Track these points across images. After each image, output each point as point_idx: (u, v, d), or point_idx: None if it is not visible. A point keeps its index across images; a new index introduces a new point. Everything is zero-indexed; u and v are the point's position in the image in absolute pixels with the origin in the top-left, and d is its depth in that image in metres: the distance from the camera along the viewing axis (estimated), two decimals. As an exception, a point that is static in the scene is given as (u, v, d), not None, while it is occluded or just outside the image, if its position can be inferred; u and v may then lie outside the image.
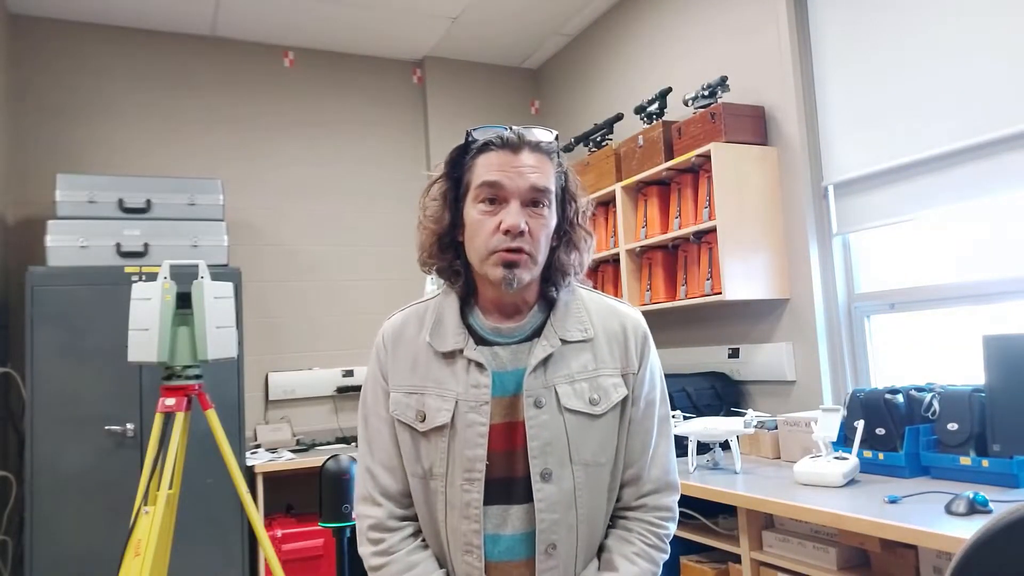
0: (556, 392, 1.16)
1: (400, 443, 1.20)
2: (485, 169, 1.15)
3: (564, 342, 1.18)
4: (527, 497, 1.14)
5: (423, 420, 1.17)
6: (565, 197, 1.21)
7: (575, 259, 1.22)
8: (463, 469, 1.14)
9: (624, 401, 1.20)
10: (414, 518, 1.21)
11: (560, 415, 1.15)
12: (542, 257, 1.17)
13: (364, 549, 1.20)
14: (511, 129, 1.16)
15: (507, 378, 1.17)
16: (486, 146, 1.16)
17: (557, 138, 1.20)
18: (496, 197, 1.14)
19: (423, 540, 1.20)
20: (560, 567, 1.15)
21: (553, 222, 1.18)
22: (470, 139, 1.18)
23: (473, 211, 1.16)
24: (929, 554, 1.75)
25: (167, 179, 3.40)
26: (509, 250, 1.12)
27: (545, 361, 1.17)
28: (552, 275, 1.21)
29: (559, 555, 1.14)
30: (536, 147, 1.16)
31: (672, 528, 1.24)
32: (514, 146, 1.15)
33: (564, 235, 1.21)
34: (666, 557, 1.22)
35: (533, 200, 1.14)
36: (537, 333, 1.19)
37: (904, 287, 2.47)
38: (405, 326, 1.24)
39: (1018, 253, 2.16)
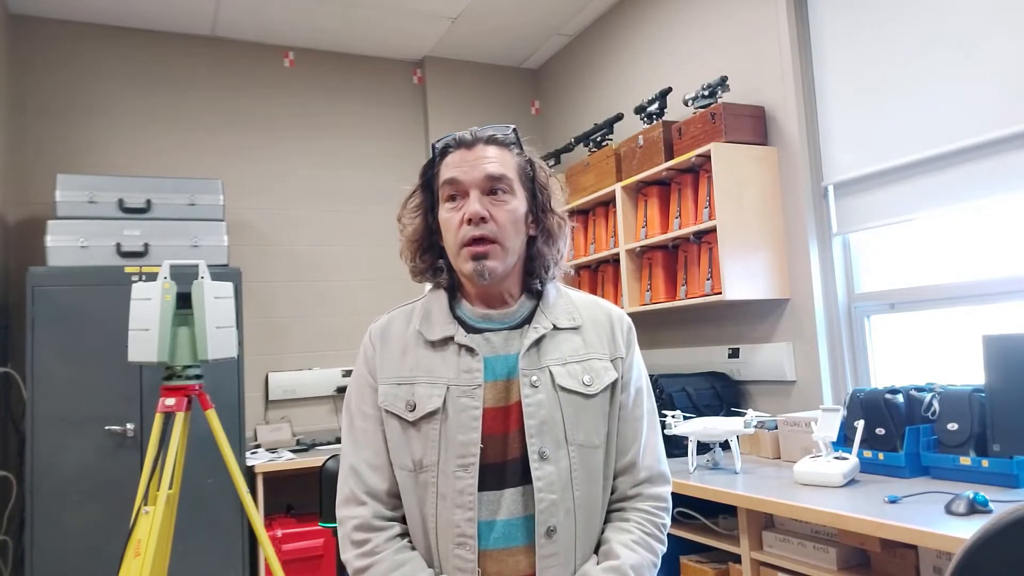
0: (551, 372, 1.18)
1: (388, 437, 1.20)
2: (445, 169, 1.21)
3: (555, 327, 1.22)
4: (522, 479, 1.15)
5: (413, 409, 1.17)
6: (535, 186, 1.25)
7: (554, 248, 1.25)
8: (456, 455, 1.14)
9: (614, 385, 1.23)
10: (400, 520, 1.20)
11: (555, 394, 1.17)
12: (511, 244, 1.19)
13: (348, 553, 1.17)
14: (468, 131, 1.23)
15: (499, 363, 1.19)
16: (445, 149, 1.23)
17: (515, 131, 1.25)
18: (457, 192, 1.19)
19: (410, 541, 1.19)
20: (560, 555, 1.14)
21: (520, 208, 1.21)
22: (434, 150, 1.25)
23: (443, 211, 1.22)
24: (929, 554, 1.75)
25: (167, 179, 3.40)
26: (475, 240, 1.16)
27: (538, 343, 1.20)
28: (534, 267, 1.25)
29: (559, 541, 1.14)
30: (491, 140, 1.22)
31: (668, 519, 1.25)
32: (468, 143, 1.21)
33: (539, 224, 1.25)
34: (664, 549, 1.22)
35: (491, 188, 1.19)
36: (527, 320, 1.23)
37: (904, 287, 2.47)
38: (392, 323, 1.28)
39: (1018, 253, 2.17)
